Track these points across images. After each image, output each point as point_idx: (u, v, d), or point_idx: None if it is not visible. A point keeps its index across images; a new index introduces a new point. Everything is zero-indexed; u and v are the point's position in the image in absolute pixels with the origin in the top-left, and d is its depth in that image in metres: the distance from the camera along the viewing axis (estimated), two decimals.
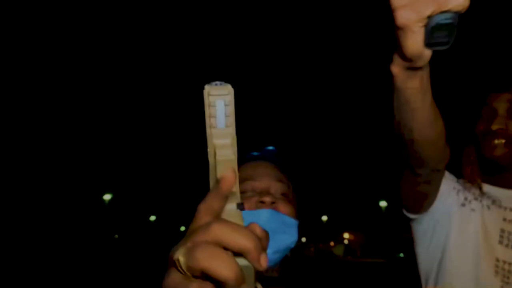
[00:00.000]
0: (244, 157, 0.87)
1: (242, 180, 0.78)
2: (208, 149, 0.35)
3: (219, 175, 0.33)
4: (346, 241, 45.12)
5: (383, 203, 31.72)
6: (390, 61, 0.58)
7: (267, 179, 0.80)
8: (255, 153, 0.89)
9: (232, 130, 0.35)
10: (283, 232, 0.74)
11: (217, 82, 0.35)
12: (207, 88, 0.35)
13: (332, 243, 44.17)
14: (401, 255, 38.62)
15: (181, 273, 0.29)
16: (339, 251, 38.77)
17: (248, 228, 0.30)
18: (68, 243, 24.72)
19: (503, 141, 0.97)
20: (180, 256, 0.29)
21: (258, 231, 0.31)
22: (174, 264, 0.30)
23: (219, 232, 0.29)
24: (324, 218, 44.96)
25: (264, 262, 0.29)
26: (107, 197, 26.66)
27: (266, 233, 0.32)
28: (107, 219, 26.95)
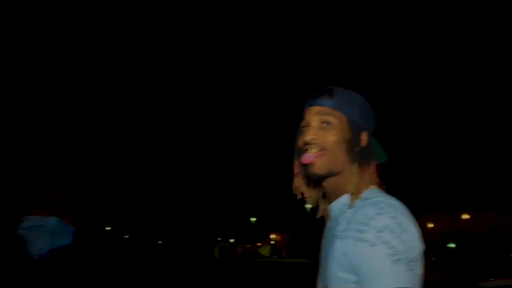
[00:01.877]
0: None
1: None
2: None
3: None
4: (272, 242, 46.16)
5: (308, 205, 32.89)
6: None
7: None
8: None
9: None
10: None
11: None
12: None
13: (259, 244, 44.94)
14: None
15: None
16: (265, 251, 39.54)
17: None
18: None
19: (316, 149, 0.98)
20: None
21: None
22: None
23: None
24: (253, 219, 45.64)
25: None
26: None
27: None
28: None
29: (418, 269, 0.86)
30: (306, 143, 0.99)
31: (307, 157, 0.98)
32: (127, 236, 56.56)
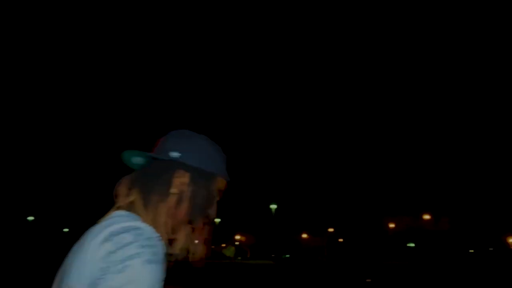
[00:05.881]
0: None
1: None
2: None
3: None
4: (237, 243, 46.07)
5: (273, 206, 33.11)
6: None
7: None
8: None
9: None
10: None
11: None
12: None
13: (224, 245, 44.77)
14: (287, 255, 40.74)
15: None
16: (229, 252, 39.43)
17: None
18: None
19: None
20: None
21: None
22: None
23: None
24: (217, 220, 45.41)
25: None
26: None
27: None
28: None
29: None
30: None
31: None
32: None
